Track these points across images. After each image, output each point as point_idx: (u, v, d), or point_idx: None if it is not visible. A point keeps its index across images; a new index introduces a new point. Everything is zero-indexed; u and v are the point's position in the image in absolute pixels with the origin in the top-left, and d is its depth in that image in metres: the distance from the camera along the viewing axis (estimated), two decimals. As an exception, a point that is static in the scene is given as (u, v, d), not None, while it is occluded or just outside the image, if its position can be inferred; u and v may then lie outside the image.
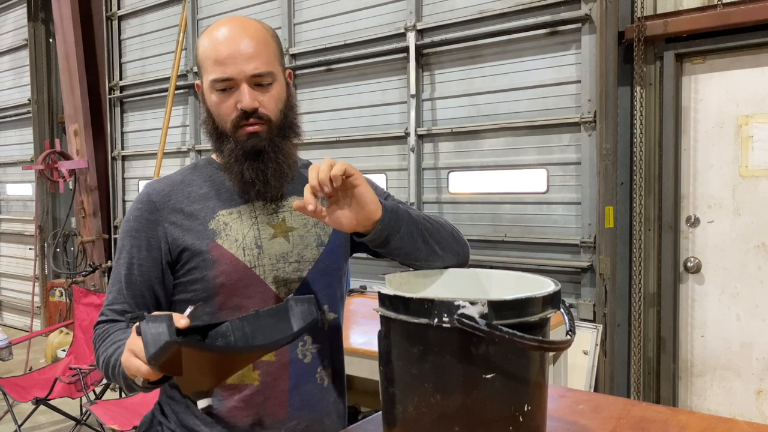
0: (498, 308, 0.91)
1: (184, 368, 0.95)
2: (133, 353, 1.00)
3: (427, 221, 1.23)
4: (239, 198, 1.28)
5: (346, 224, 1.12)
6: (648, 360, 3.19)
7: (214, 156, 1.34)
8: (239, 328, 1.08)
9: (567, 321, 1.03)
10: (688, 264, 3.13)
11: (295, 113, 1.30)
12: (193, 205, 1.26)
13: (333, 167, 1.06)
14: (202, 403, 1.01)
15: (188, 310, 1.05)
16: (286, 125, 1.27)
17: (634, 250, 3.16)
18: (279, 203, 1.30)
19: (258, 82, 1.22)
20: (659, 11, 3.08)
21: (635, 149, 3.12)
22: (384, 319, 1.02)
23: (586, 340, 3.11)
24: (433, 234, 1.23)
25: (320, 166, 1.07)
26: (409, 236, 1.17)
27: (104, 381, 3.63)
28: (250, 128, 1.22)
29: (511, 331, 0.89)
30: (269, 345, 1.08)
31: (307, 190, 1.07)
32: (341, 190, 1.09)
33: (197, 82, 1.30)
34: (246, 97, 1.20)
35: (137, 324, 0.96)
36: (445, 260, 1.25)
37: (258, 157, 1.23)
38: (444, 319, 0.91)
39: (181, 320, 0.97)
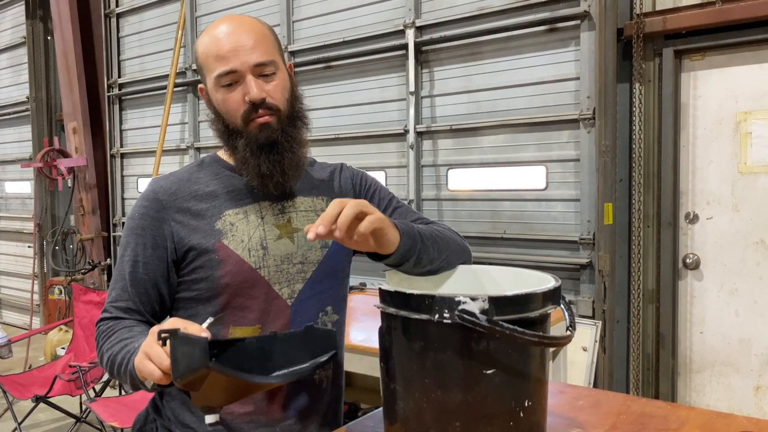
0: (498, 304, 0.92)
1: (203, 386, 0.96)
2: (148, 357, 1.00)
3: (438, 238, 1.24)
4: (246, 197, 1.27)
5: (361, 249, 1.12)
6: (647, 356, 3.19)
7: (219, 153, 1.33)
8: (256, 349, 1.08)
9: (567, 317, 1.03)
10: (687, 260, 3.13)
11: (302, 103, 1.30)
12: (200, 204, 1.25)
13: (362, 225, 1.01)
14: (209, 419, 1.01)
15: (207, 322, 1.04)
16: (294, 115, 1.27)
17: (633, 247, 3.16)
18: (285, 203, 1.30)
19: (262, 72, 1.22)
20: (658, 8, 3.08)
21: (634, 146, 3.13)
22: (385, 316, 1.02)
23: (585, 336, 3.12)
24: (442, 252, 1.23)
25: (346, 212, 1.01)
26: (417, 262, 1.18)
27: (104, 378, 3.63)
28: (261, 120, 1.22)
29: (511, 326, 0.89)
30: (288, 375, 1.10)
31: (320, 222, 1.01)
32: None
33: (200, 86, 1.30)
34: (253, 88, 1.20)
35: (165, 336, 0.95)
36: (448, 270, 1.27)
37: (273, 148, 1.22)
38: (445, 314, 0.91)
39: (202, 333, 0.96)
